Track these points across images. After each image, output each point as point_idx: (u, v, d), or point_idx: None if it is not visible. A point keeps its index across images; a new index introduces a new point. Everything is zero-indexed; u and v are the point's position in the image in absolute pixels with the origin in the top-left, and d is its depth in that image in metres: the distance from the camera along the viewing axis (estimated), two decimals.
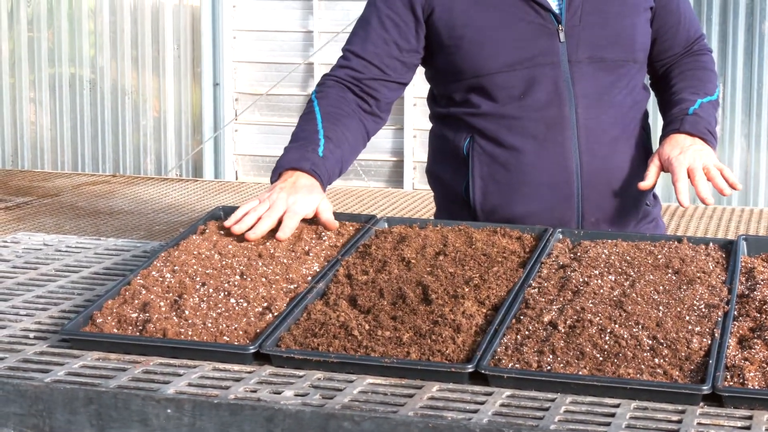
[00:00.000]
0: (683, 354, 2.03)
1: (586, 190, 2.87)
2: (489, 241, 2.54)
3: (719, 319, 2.16)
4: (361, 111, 2.90)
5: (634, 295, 2.24)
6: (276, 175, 2.70)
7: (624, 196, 2.91)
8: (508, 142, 2.87)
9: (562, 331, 2.11)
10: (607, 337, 2.08)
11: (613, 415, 1.87)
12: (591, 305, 2.19)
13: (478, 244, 2.52)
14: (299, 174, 2.67)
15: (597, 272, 2.36)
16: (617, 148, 2.91)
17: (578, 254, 2.48)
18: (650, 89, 3.11)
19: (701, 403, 1.92)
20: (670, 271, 2.38)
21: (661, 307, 2.20)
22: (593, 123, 2.87)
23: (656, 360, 2.02)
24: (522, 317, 2.19)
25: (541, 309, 2.20)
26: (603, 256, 2.45)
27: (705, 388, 1.92)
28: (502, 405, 1.91)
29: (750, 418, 1.87)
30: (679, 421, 1.85)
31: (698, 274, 2.36)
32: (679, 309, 2.19)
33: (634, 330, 2.10)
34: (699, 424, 1.84)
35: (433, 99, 3.07)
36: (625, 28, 2.91)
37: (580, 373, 1.99)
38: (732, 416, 1.88)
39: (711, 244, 2.53)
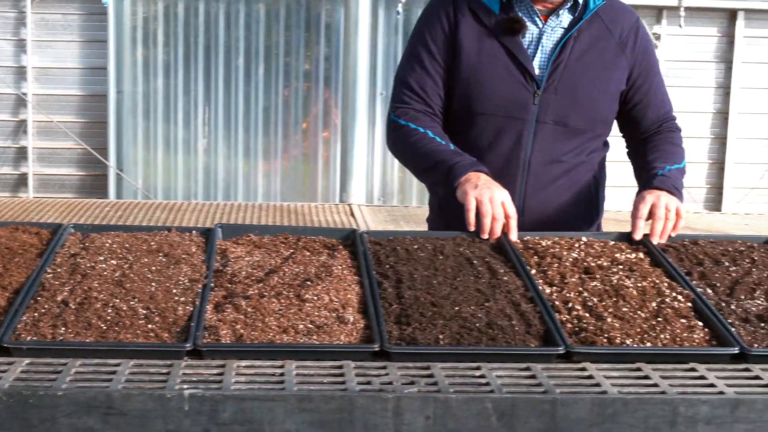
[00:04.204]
0: (171, 320, 2.24)
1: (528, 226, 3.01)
2: (12, 237, 2.65)
3: (200, 290, 2.38)
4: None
5: (132, 275, 2.43)
6: (458, 178, 2.83)
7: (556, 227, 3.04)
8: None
9: (73, 307, 2.27)
10: (110, 310, 2.25)
11: (114, 372, 2.04)
12: (97, 285, 2.36)
13: (2, 240, 2.62)
14: (480, 174, 2.84)
15: (102, 258, 2.53)
16: (560, 195, 3.10)
17: (87, 244, 2.64)
18: (608, 145, 3.24)
19: (185, 358, 2.13)
20: (161, 254, 2.58)
21: (153, 284, 2.40)
22: (542, 172, 3.05)
23: (150, 326, 2.21)
24: (39, 298, 2.32)
25: (55, 290, 2.35)
26: (107, 244, 2.62)
27: (188, 345, 2.13)
28: (22, 371, 2.03)
29: (223, 366, 2.09)
30: (168, 373, 2.03)
31: (183, 256, 2.57)
32: (168, 284, 2.40)
33: (132, 303, 2.29)
34: (183, 374, 2.04)
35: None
36: (590, 101, 3.06)
37: (87, 340, 2.15)
38: (210, 366, 2.09)
39: (194, 232, 2.75)
